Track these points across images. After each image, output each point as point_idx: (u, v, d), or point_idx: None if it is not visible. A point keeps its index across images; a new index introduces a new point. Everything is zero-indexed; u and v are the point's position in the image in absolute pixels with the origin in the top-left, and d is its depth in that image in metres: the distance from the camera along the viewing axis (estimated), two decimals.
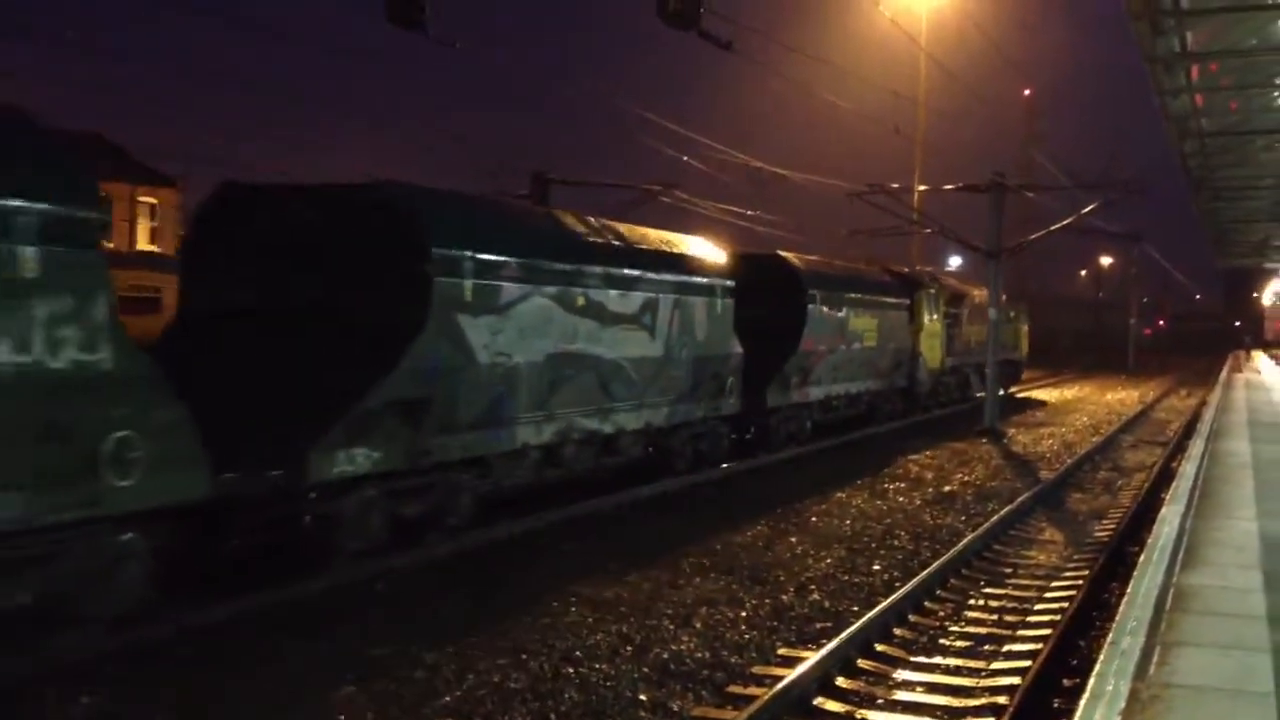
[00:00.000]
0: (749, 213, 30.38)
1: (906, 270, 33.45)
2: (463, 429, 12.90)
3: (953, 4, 43.52)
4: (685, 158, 26.26)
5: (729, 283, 19.43)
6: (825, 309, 24.03)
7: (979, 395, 34.50)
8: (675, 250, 18.19)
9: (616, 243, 16.51)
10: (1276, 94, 22.23)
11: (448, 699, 8.13)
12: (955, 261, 60.26)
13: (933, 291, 32.44)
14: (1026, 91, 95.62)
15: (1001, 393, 36.34)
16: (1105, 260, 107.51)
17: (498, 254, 13.48)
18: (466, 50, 13.59)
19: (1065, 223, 30.05)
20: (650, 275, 16.90)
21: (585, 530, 14.33)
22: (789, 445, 22.75)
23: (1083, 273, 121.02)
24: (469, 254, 12.91)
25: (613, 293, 15.85)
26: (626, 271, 16.26)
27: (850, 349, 25.70)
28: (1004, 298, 40.23)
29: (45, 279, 8.17)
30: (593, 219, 16.84)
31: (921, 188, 36.92)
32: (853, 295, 25.77)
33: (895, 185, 31.55)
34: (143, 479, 8.84)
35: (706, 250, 19.45)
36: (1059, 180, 32.27)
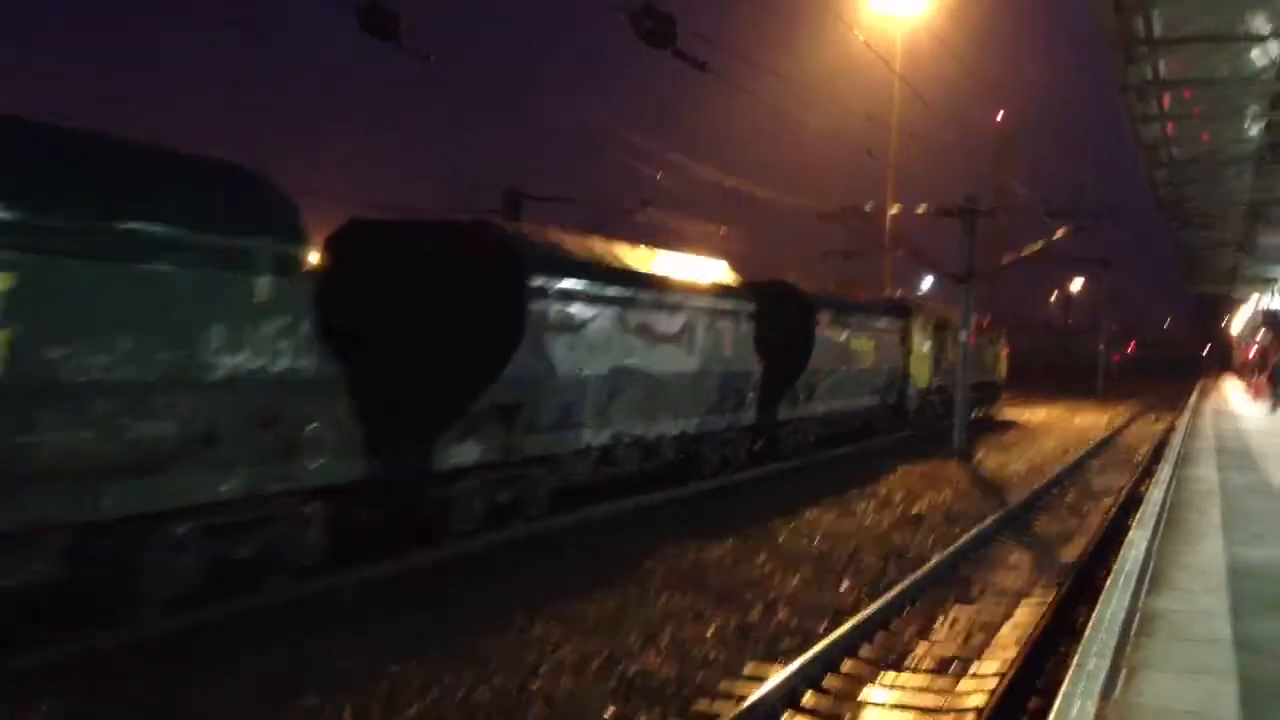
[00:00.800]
0: (723, 231, 30.42)
1: (899, 296, 34.83)
2: (543, 430, 15.03)
3: (927, 29, 43.75)
4: (659, 175, 26.30)
5: (752, 306, 21.19)
6: (830, 332, 25.87)
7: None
8: (709, 277, 20.09)
9: (663, 270, 18.37)
10: (1248, 124, 22.46)
11: (413, 711, 8.06)
12: (928, 283, 60.54)
13: (922, 317, 33.86)
14: (999, 116, 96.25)
15: (981, 414, 39.67)
16: (1075, 285, 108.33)
17: (574, 282, 15.44)
18: (439, 64, 13.54)
19: (1036, 248, 30.20)
20: (689, 300, 18.77)
21: (551, 546, 14.26)
22: (794, 455, 24.44)
23: (1053, 297, 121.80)
24: (554, 283, 14.96)
25: (660, 315, 17.70)
26: (671, 296, 18.16)
27: (850, 369, 27.58)
28: (986, 322, 43.04)
29: (273, 301, 10.18)
30: (643, 247, 18.62)
31: (894, 210, 37.09)
32: (854, 319, 27.64)
33: (868, 206, 31.67)
34: (326, 461, 11.01)
35: (732, 277, 21.21)
36: (1030, 206, 32.45)
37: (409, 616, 10.62)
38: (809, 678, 9.24)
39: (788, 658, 9.69)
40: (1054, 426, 41.38)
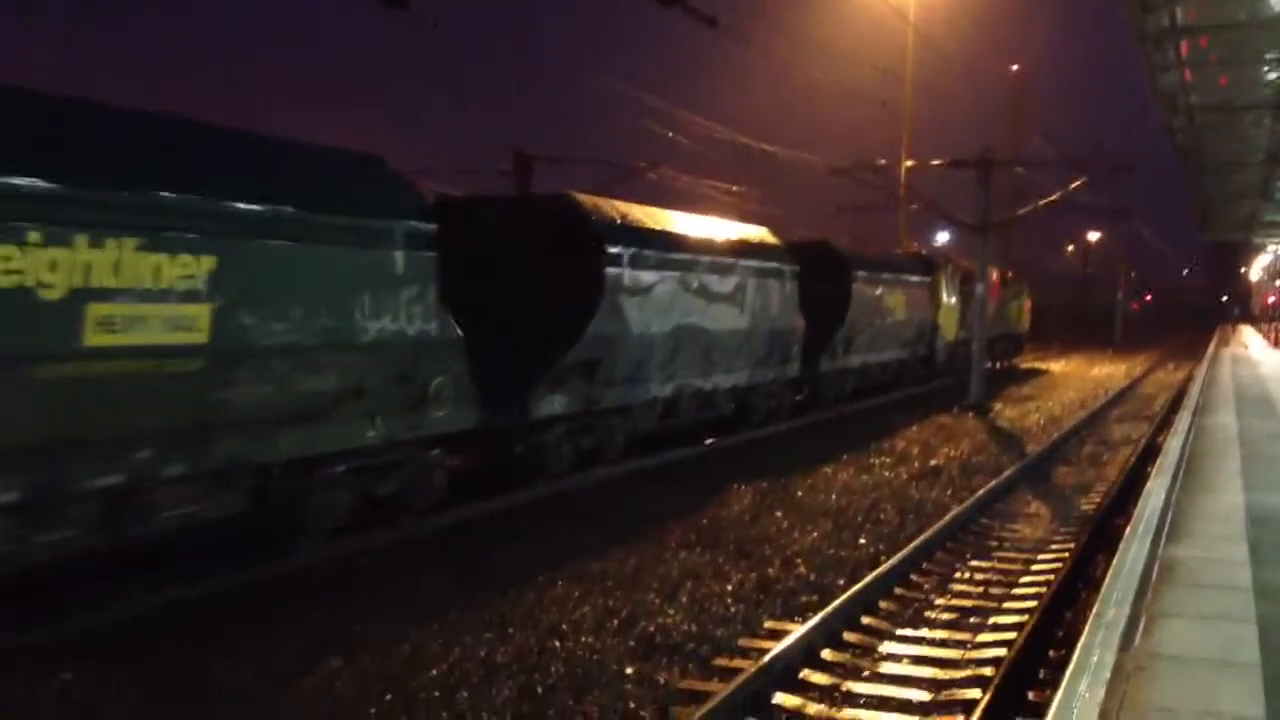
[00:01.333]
0: (735, 189, 30.29)
1: (925, 252, 36.38)
2: (618, 383, 16.64)
3: None
4: (671, 134, 26.15)
5: (795, 267, 22.65)
6: (866, 289, 27.33)
7: (987, 365, 35.51)
8: (757, 240, 21.67)
9: (716, 236, 19.85)
10: (1266, 69, 22.18)
11: (434, 673, 8.11)
12: (943, 237, 60.26)
13: (949, 271, 34.98)
14: (1014, 68, 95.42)
15: (1005, 364, 42.30)
16: (1093, 236, 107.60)
17: (644, 249, 16.90)
18: (448, 29, 13.53)
19: (1053, 199, 30.03)
20: (741, 262, 20.14)
21: (569, 506, 14.31)
22: (833, 405, 26.22)
23: (1070, 248, 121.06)
24: (627, 249, 16.43)
25: (715, 277, 19.09)
26: (725, 260, 19.55)
27: (884, 323, 29.14)
28: (1010, 274, 45.05)
29: (407, 274, 11.74)
30: (696, 215, 20.26)
31: (909, 163, 36.86)
32: (886, 276, 29.02)
33: (882, 161, 31.50)
34: (449, 411, 12.67)
35: (776, 240, 22.84)
36: (1046, 158, 32.23)
37: (429, 578, 10.67)
38: (828, 633, 9.26)
39: (806, 614, 9.71)
40: (1072, 377, 41.27)
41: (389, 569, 11.01)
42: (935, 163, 30.76)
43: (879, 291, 28.28)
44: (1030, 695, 8.02)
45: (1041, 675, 8.46)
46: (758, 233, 22.20)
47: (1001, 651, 8.87)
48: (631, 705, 7.74)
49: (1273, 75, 22.37)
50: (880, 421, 24.21)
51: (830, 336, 25.30)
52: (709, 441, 19.72)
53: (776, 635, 9.16)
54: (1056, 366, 47.33)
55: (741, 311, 20.12)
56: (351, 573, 10.87)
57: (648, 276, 16.94)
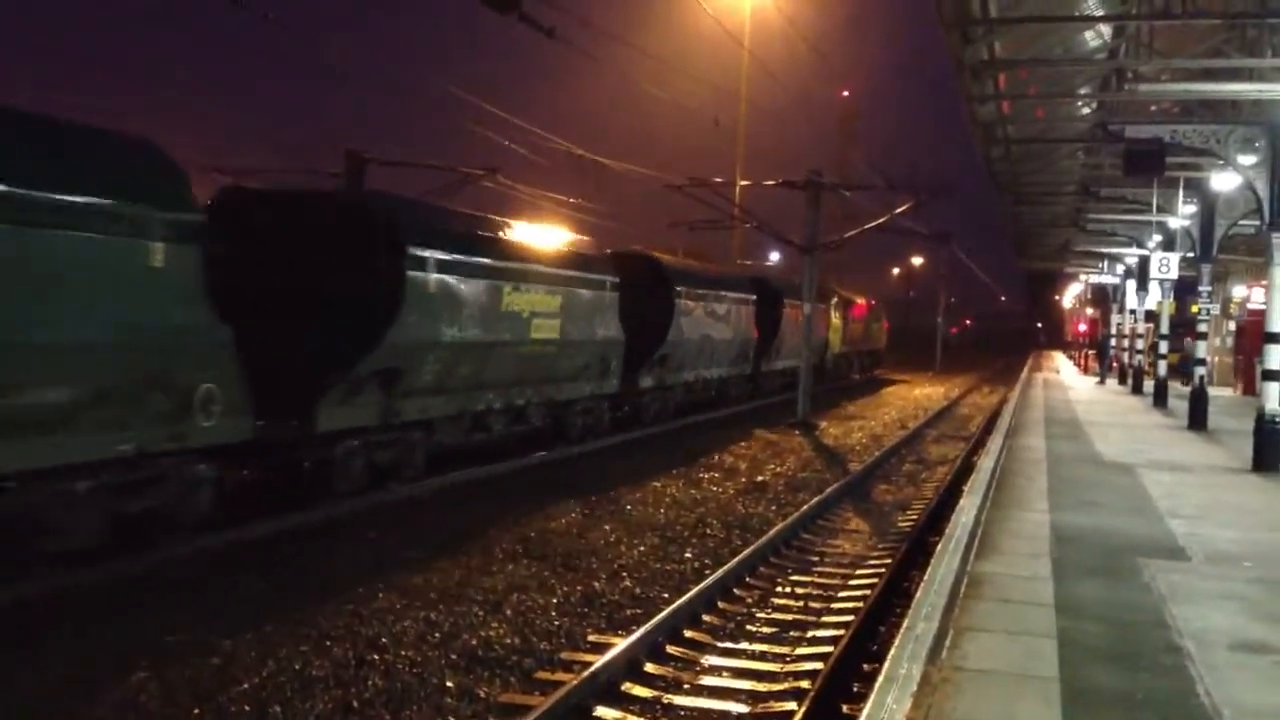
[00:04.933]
0: (571, 200, 30.34)
1: (826, 286, 43.16)
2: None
3: (775, 4, 44.19)
4: (507, 142, 26.03)
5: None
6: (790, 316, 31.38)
7: (855, 376, 49.74)
8: (576, 251, 21.18)
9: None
10: (1080, 104, 23.26)
11: (245, 686, 7.89)
12: (775, 256, 61.41)
13: (835, 300, 46.11)
14: (844, 93, 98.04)
15: (867, 374, 54.79)
16: (916, 260, 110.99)
17: (452, 252, 16.02)
18: (279, 24, 13.24)
19: (879, 222, 30.90)
20: (559, 272, 19.64)
21: (393, 517, 14.10)
22: (660, 421, 26.58)
23: (895, 271, 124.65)
24: (434, 253, 15.52)
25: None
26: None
27: (794, 339, 32.77)
28: (873, 301, 58.78)
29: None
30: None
31: (743, 183, 37.46)
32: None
33: (718, 179, 31.95)
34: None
35: (595, 251, 22.93)
36: (873, 180, 33.17)
37: (245, 587, 10.39)
38: (651, 646, 9.31)
39: (630, 627, 9.76)
40: (894, 397, 42.47)
41: (201, 578, 10.66)
42: (767, 183, 31.31)
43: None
44: (844, 708, 8.21)
45: (856, 688, 8.65)
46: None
47: (818, 665, 9.05)
48: (451, 719, 7.66)
49: (1086, 110, 23.48)
50: (708, 437, 24.51)
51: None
52: (539, 454, 19.60)
53: (600, 648, 9.17)
54: (880, 387, 48.66)
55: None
56: (161, 581, 10.50)
57: (456, 282, 16.06)
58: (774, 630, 10.38)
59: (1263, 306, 19.57)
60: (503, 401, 18.22)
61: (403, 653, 8.83)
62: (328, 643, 8.93)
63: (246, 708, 7.53)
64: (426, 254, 15.33)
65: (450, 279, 15.89)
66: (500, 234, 18.19)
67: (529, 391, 19.10)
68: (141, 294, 10.49)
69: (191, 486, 11.65)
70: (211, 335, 11.35)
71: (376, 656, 8.69)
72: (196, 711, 7.42)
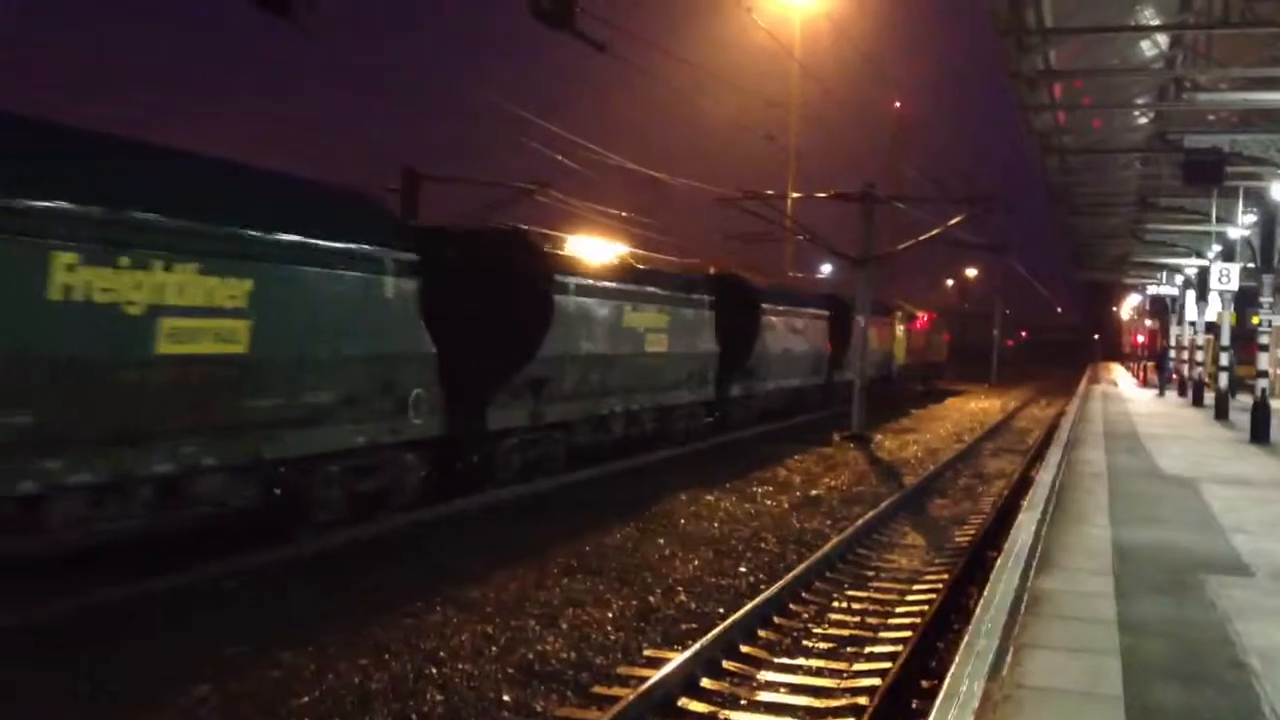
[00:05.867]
0: (623, 214, 30.42)
1: (883, 299, 45.50)
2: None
3: (827, 15, 44.12)
4: (560, 156, 26.15)
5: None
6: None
7: (918, 387, 52.53)
8: (679, 273, 24.23)
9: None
10: (1137, 113, 23.01)
11: (305, 699, 7.96)
12: (826, 269, 61.22)
13: (900, 314, 48.62)
14: (897, 104, 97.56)
15: (930, 385, 56.24)
16: (971, 272, 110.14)
17: (588, 279, 19.15)
18: (338, 41, 13.55)
19: (933, 233, 30.68)
20: (666, 292, 22.48)
21: (450, 531, 14.19)
22: (714, 434, 26.85)
23: (949, 283, 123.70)
24: (574, 279, 18.60)
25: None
26: (654, 290, 21.90)
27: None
28: (934, 315, 61.81)
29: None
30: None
31: (795, 195, 37.39)
32: (791, 308, 32.37)
33: (769, 192, 31.91)
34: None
35: (696, 272, 26.02)
36: (927, 191, 33.01)
37: (300, 602, 10.49)
38: (707, 661, 9.30)
39: (686, 642, 9.75)
40: (949, 411, 42.13)
41: (261, 593, 10.79)
42: (820, 195, 31.25)
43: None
44: None
45: (915, 705, 8.59)
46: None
47: (876, 681, 8.99)
48: None
49: (1143, 120, 23.22)
50: (763, 451, 24.45)
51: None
52: (587, 471, 19.72)
53: (656, 663, 9.17)
54: (935, 400, 48.32)
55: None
56: (222, 595, 10.64)
57: (589, 303, 18.94)
58: (831, 646, 10.32)
59: None
60: (622, 406, 20.96)
61: (460, 666, 8.87)
62: (386, 656, 9.00)
63: None
64: (568, 280, 18.32)
65: (585, 301, 18.86)
66: (622, 261, 21.33)
67: (642, 397, 21.79)
68: (378, 319, 13.35)
69: (403, 472, 14.43)
70: (423, 351, 14.23)
71: (434, 670, 8.74)
72: None
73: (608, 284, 19.74)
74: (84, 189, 9.72)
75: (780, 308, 30.67)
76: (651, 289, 21.63)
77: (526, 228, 19.09)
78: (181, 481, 10.96)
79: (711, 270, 27.79)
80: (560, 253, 18.87)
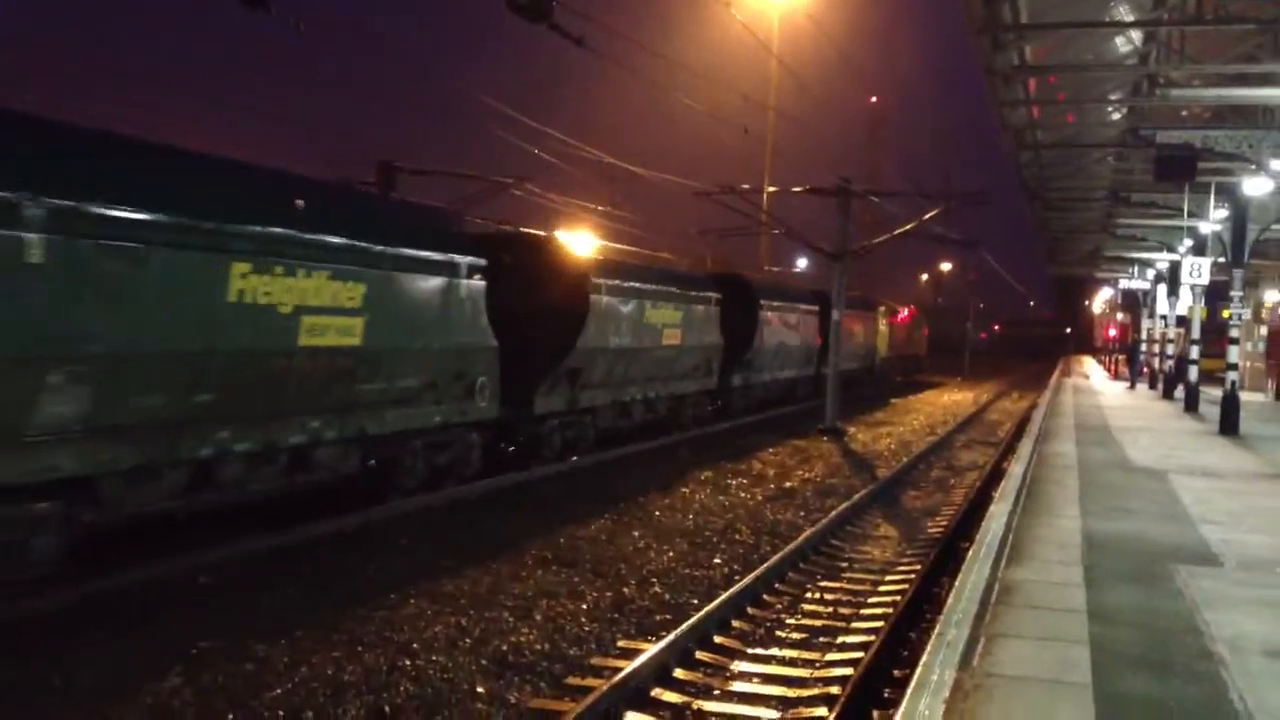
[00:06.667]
0: (600, 208, 30.37)
1: (868, 296, 50.40)
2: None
3: (804, 11, 44.15)
4: (536, 150, 26.10)
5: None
6: (846, 326, 33.06)
7: (898, 379, 54.18)
8: (688, 273, 28.07)
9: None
10: (1110, 109, 23.15)
11: (278, 691, 7.94)
12: (802, 263, 61.35)
13: (882, 309, 50.69)
14: (873, 99, 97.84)
15: (909, 377, 58.22)
16: (945, 266, 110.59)
17: (617, 280, 21.46)
18: (311, 34, 13.37)
19: (908, 228, 30.76)
20: (679, 291, 24.84)
21: (423, 525, 14.17)
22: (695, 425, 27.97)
23: (924, 277, 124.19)
24: (606, 280, 20.85)
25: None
26: (671, 289, 24.39)
27: (850, 344, 38.20)
28: (914, 309, 64.74)
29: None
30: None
31: (771, 189, 37.44)
32: (859, 312, 37.91)
33: (745, 186, 31.94)
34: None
35: (701, 273, 30.33)
36: (903, 186, 33.12)
37: (274, 595, 10.46)
38: (681, 652, 9.32)
39: (660, 633, 9.77)
40: (922, 403, 42.31)
41: (235, 586, 10.76)
42: (796, 190, 31.30)
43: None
44: (875, 714, 8.19)
45: (887, 694, 8.64)
46: (691, 266, 28.35)
47: (848, 670, 9.03)
48: None
49: (1116, 115, 23.36)
50: (738, 443, 24.51)
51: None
52: (573, 459, 19.83)
53: (629, 654, 9.19)
54: (908, 393, 48.50)
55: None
56: (194, 589, 10.60)
57: (618, 302, 21.10)
58: (804, 636, 10.37)
59: None
60: (641, 394, 23.43)
61: (434, 658, 8.87)
62: (359, 648, 8.99)
63: (280, 713, 7.58)
64: (601, 281, 20.49)
65: (613, 300, 21.00)
66: (641, 262, 24.38)
67: (658, 386, 24.30)
68: (455, 316, 15.43)
69: (468, 448, 16.65)
70: (488, 343, 16.36)
71: (408, 662, 8.74)
72: (230, 717, 7.47)
73: (632, 284, 21.96)
74: (247, 210, 11.67)
75: (776, 304, 32.58)
76: (668, 288, 24.05)
77: (562, 236, 21.64)
78: (308, 451, 13.03)
79: (697, 268, 30.65)
80: (594, 256, 21.24)
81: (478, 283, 15.99)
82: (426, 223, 15.67)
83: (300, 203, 12.60)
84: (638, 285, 22.22)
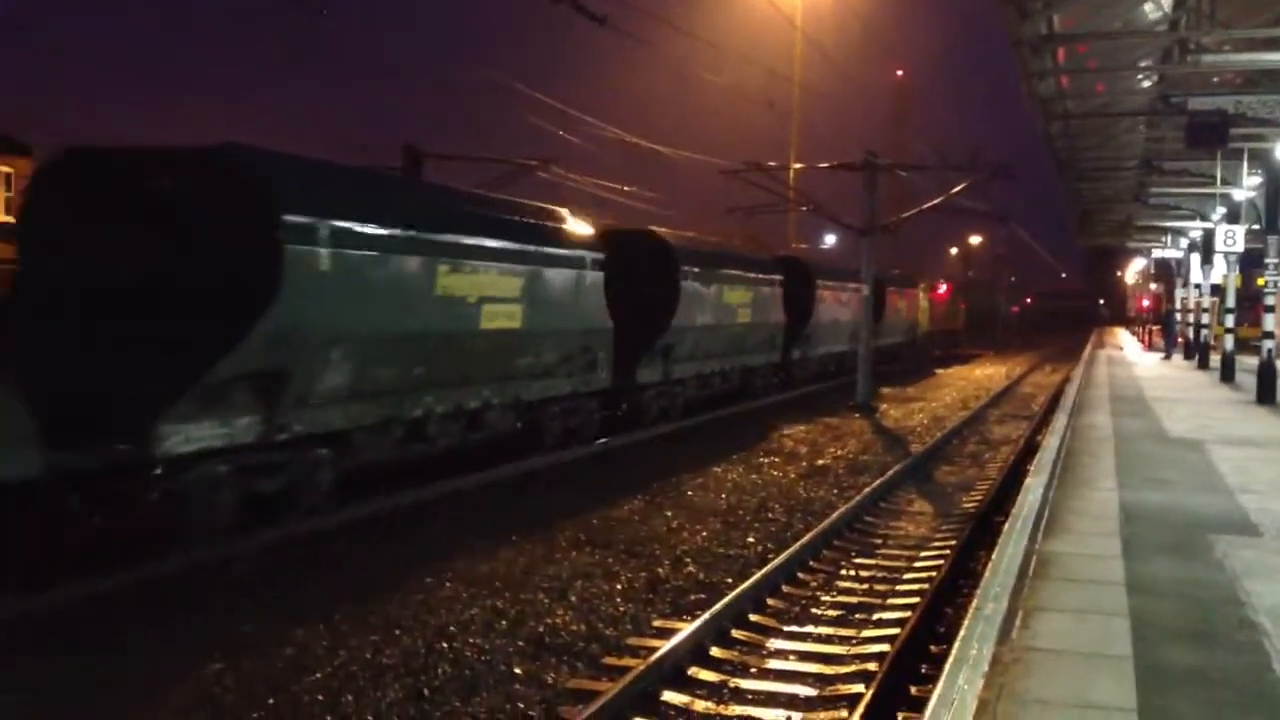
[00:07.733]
0: (626, 188, 30.34)
1: (910, 273, 52.44)
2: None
3: None
4: (562, 133, 26.09)
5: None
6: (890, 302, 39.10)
7: (937, 353, 55.75)
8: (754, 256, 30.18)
9: (738, 254, 28.49)
10: (1140, 77, 22.87)
11: (318, 675, 7.99)
12: (830, 239, 61.07)
13: (923, 285, 53.52)
14: (899, 73, 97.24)
15: (948, 351, 59.51)
16: (974, 239, 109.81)
17: (705, 266, 24.66)
18: (338, 19, 13.47)
19: (935, 202, 30.58)
20: (741, 273, 26.98)
21: (457, 508, 14.21)
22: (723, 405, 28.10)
23: (953, 251, 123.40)
24: (693, 267, 23.87)
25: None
26: (743, 272, 27.17)
27: (894, 320, 43.39)
28: (951, 285, 68.03)
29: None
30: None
31: (797, 166, 37.26)
32: (902, 288, 43.49)
33: (771, 164, 31.79)
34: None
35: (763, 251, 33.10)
36: (930, 160, 32.92)
37: (310, 581, 10.52)
38: (716, 631, 9.32)
39: (695, 612, 9.77)
40: (954, 378, 42.13)
41: (271, 572, 10.82)
42: (823, 165, 31.14)
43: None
44: (913, 690, 8.16)
45: (924, 670, 8.60)
46: (757, 249, 32.33)
47: (885, 647, 9.01)
48: (520, 705, 7.70)
49: (1147, 83, 23.07)
50: (768, 421, 24.46)
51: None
52: (601, 441, 19.77)
53: (665, 634, 9.19)
54: (939, 368, 48.30)
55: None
56: (233, 576, 10.66)
57: (702, 285, 23.85)
58: (839, 613, 10.34)
59: None
60: (720, 366, 25.94)
61: (471, 640, 8.90)
62: (397, 632, 9.03)
63: (320, 697, 7.63)
64: (689, 268, 23.14)
65: (699, 284, 23.67)
66: (717, 247, 26.82)
67: (733, 359, 26.71)
68: (584, 302, 18.28)
69: (589, 414, 19.43)
70: (607, 325, 19.24)
71: (445, 645, 8.77)
72: (271, 701, 7.53)
73: (711, 269, 24.39)
74: (445, 222, 14.64)
75: (830, 284, 34.72)
76: (741, 272, 26.46)
77: (658, 229, 23.78)
78: (481, 413, 15.91)
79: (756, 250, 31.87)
80: (682, 245, 23.54)
81: (598, 273, 18.76)
82: (562, 222, 18.44)
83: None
84: (716, 270, 24.67)
